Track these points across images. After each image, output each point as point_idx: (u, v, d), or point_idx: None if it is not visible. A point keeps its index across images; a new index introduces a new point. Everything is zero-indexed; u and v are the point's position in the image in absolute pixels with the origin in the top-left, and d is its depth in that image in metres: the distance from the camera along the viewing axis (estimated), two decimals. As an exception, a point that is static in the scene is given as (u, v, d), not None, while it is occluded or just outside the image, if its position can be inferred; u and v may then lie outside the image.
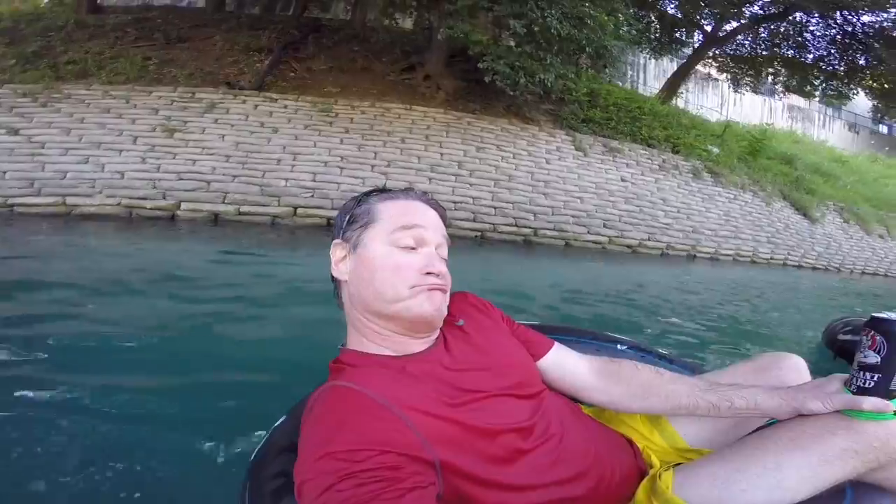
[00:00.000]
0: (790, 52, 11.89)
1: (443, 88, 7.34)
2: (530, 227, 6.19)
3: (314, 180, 5.76)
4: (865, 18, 10.47)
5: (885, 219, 11.27)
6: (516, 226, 6.16)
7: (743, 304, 4.81)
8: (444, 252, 0.84)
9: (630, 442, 0.92)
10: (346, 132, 6.33)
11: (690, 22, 11.65)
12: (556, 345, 0.94)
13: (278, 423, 0.92)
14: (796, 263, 8.26)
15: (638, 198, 7.13)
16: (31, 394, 1.62)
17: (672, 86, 12.07)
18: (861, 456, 0.67)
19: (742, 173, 9.01)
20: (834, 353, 2.70)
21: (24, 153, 5.52)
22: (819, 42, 11.48)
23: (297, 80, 7.07)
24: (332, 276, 0.84)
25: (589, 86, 8.18)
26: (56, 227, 4.74)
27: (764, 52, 12.13)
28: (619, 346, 1.24)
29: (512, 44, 6.72)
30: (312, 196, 5.62)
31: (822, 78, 11.94)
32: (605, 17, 6.63)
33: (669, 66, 13.41)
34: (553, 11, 6.18)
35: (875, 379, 0.68)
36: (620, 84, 11.34)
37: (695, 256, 7.08)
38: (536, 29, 6.21)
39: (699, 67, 13.40)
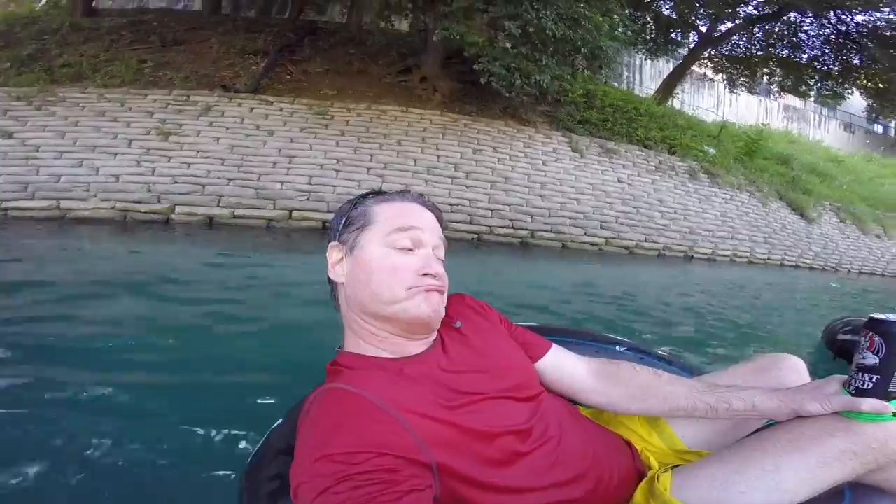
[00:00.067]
0: (785, 53, 11.89)
1: (439, 90, 7.31)
2: (527, 229, 6.16)
3: (310, 183, 5.72)
4: (859, 18, 10.49)
5: (881, 218, 11.24)
6: (513, 228, 6.12)
7: (741, 305, 4.79)
8: (441, 253, 0.83)
9: (629, 444, 0.91)
10: (342, 135, 6.29)
11: (685, 23, 11.64)
12: (555, 346, 0.94)
13: (275, 425, 0.91)
14: (793, 264, 8.23)
15: (635, 199, 7.10)
16: (24, 395, 1.63)
17: (668, 86, 12.05)
18: (860, 457, 0.67)
19: (738, 174, 8.99)
20: (834, 353, 2.69)
21: (18, 157, 5.47)
22: (813, 42, 11.48)
23: (293, 83, 7.03)
24: (329, 279, 0.83)
25: (585, 87, 8.16)
26: (50, 231, 4.70)
27: (759, 53, 12.14)
28: (617, 348, 1.23)
29: (507, 45, 6.69)
30: (308, 199, 5.58)
31: (816, 78, 11.96)
32: (600, 18, 6.60)
33: (665, 66, 13.42)
34: (548, 12, 6.15)
35: (874, 380, 0.68)
36: (617, 85, 11.33)
37: (692, 257, 7.05)
38: (531, 30, 6.18)
39: (695, 68, 13.39)
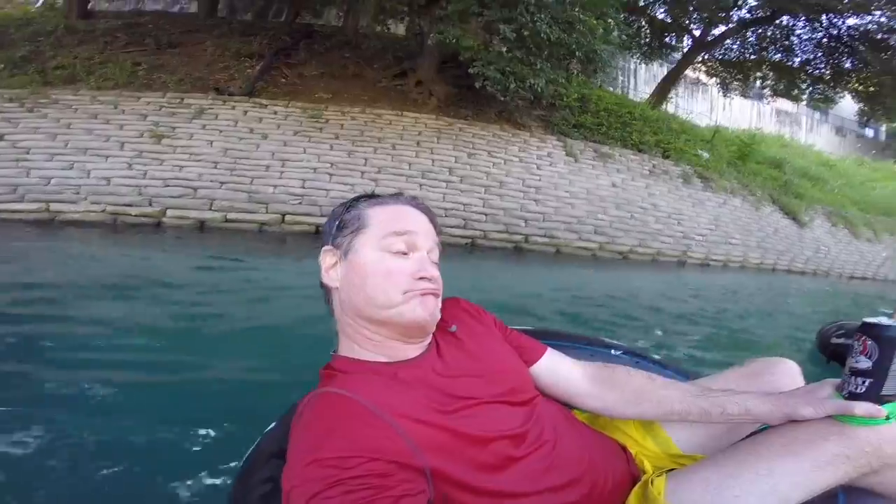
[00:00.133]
0: (777, 56, 11.83)
1: (434, 94, 7.22)
2: (521, 234, 6.07)
3: (303, 187, 5.62)
4: (851, 21, 10.45)
5: (872, 222, 11.21)
6: (507, 232, 6.04)
7: (734, 310, 4.78)
8: (436, 256, 0.82)
9: (623, 448, 0.90)
10: (336, 138, 6.19)
11: (679, 26, 11.58)
12: (550, 350, 0.93)
13: (268, 428, 0.91)
14: (786, 268, 8.17)
15: (629, 203, 7.03)
16: (9, 395, 1.62)
17: (662, 90, 12.00)
18: (853, 461, 0.67)
19: (732, 178, 8.93)
20: (827, 356, 2.71)
21: (9, 159, 5.35)
22: (805, 46, 11.44)
23: (288, 86, 6.93)
24: (323, 283, 0.82)
25: (580, 91, 8.07)
26: (39, 234, 4.61)
27: (752, 57, 12.07)
28: (612, 352, 1.22)
29: (503, 49, 6.61)
30: (301, 203, 5.48)
31: (808, 81, 11.90)
32: (595, 22, 6.53)
33: (660, 70, 13.34)
34: (543, 16, 6.09)
35: (866, 384, 0.67)
36: (612, 89, 11.26)
37: (685, 262, 6.98)
38: (526, 34, 6.11)
39: (689, 72, 13.35)
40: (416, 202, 0.85)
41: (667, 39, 12.00)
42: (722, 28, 11.48)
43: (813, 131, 20.55)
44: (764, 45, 11.73)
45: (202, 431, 1.47)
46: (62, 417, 1.52)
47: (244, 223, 5.25)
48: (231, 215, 5.26)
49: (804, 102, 13.67)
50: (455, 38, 6.31)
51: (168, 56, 7.40)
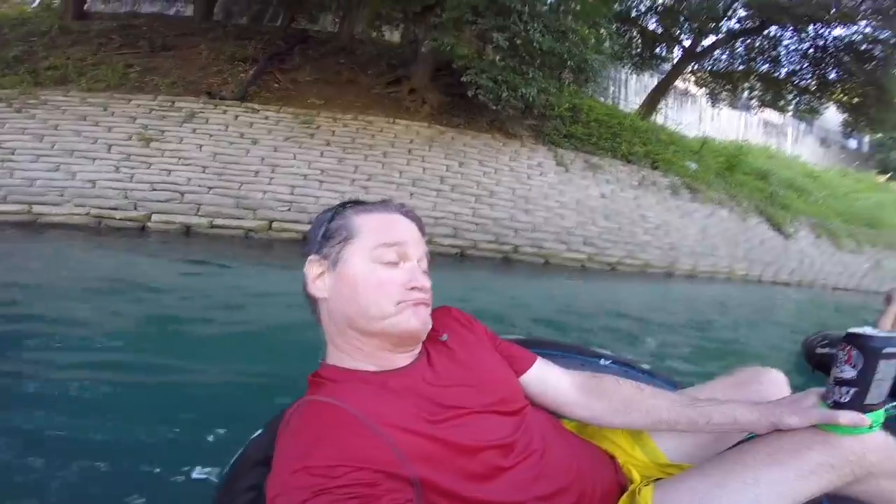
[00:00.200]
0: (765, 67, 11.72)
1: (428, 102, 7.04)
2: (510, 244, 5.90)
3: (292, 193, 5.44)
4: (837, 32, 10.39)
5: (855, 234, 11.17)
6: (497, 242, 5.87)
7: (721, 320, 4.74)
8: (425, 264, 0.80)
9: (611, 457, 0.89)
10: (327, 145, 6.01)
11: (670, 37, 11.46)
12: (539, 360, 0.91)
13: (255, 435, 0.89)
14: (771, 279, 8.07)
15: (617, 214, 6.88)
16: None
17: (652, 101, 11.88)
18: (837, 470, 0.66)
19: (719, 189, 8.81)
20: (812, 366, 2.71)
21: (-7, 160, 5.14)
22: (792, 56, 11.35)
23: (281, 92, 6.73)
24: (309, 293, 0.79)
25: (571, 101, 7.92)
26: (21, 236, 4.43)
27: (740, 67, 11.97)
28: (601, 361, 1.20)
29: (496, 58, 6.46)
30: (289, 210, 5.30)
31: (794, 92, 11.81)
32: (587, 31, 6.39)
33: (650, 81, 13.20)
34: (536, 25, 5.96)
35: (851, 393, 0.66)
36: (603, 100, 11.11)
37: (672, 274, 6.85)
38: (519, 42, 5.97)
39: (678, 83, 13.22)
40: (404, 209, 0.82)
41: (657, 50, 11.87)
42: (712, 38, 11.38)
43: (798, 142, 20.49)
44: (752, 55, 11.61)
45: (186, 437, 1.43)
46: (40, 420, 1.47)
47: (231, 229, 5.07)
48: (218, 221, 5.07)
49: (790, 113, 13.54)
50: (449, 45, 6.15)
51: (161, 59, 7.19)
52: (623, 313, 4.29)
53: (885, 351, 0.65)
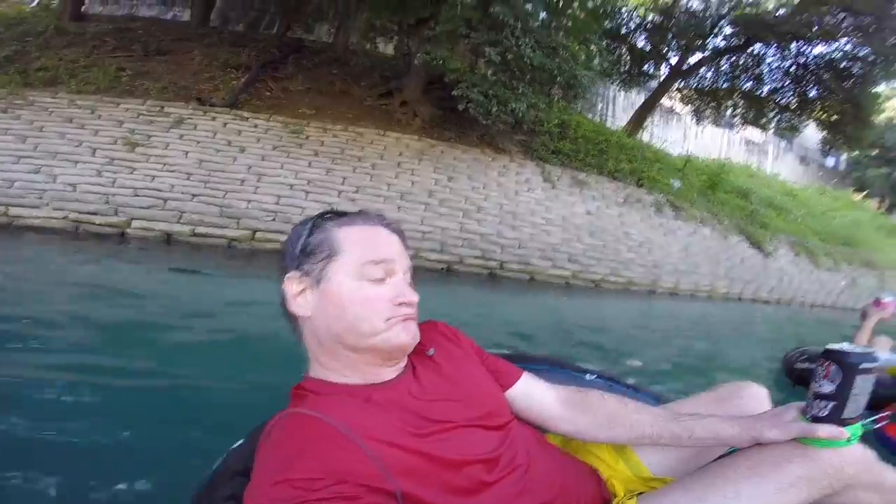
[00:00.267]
0: (748, 85, 11.64)
1: (419, 115, 6.82)
2: (496, 260, 5.68)
3: (277, 203, 5.19)
4: (818, 50, 10.33)
5: (832, 252, 11.14)
6: (483, 258, 5.63)
7: (704, 337, 4.64)
8: (409, 276, 0.77)
9: (595, 471, 0.87)
10: (315, 155, 5.76)
11: (658, 54, 11.33)
12: (525, 375, 0.89)
13: (235, 445, 0.86)
14: (751, 297, 7.95)
15: (602, 231, 6.69)
16: None
17: (639, 118, 11.74)
18: (816, 483, 0.65)
19: (702, 207, 8.67)
20: (792, 381, 2.72)
21: (-28, 161, 4.86)
22: (775, 74, 11.28)
23: (272, 100, 6.48)
24: (289, 311, 0.73)
25: (560, 117, 7.73)
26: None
27: (725, 85, 11.88)
28: (587, 376, 1.18)
29: (488, 72, 6.27)
30: (274, 220, 5.05)
31: (776, 110, 11.72)
32: (577, 47, 6.21)
33: (637, 98, 13.04)
34: (527, 40, 5.79)
35: (829, 407, 0.66)
36: (591, 116, 10.96)
37: (654, 292, 6.66)
38: (510, 57, 5.79)
39: (664, 101, 13.10)
40: (385, 221, 0.78)
41: (645, 67, 11.72)
42: (698, 56, 11.29)
43: (779, 160, 20.47)
44: (736, 73, 11.52)
45: (164, 446, 1.39)
46: (11, 425, 1.42)
47: (213, 238, 4.81)
48: (200, 229, 4.81)
49: (771, 131, 13.44)
50: (442, 59, 5.96)
51: (154, 63, 6.92)
52: (607, 330, 4.21)
53: (861, 366, 0.65)
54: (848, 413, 0.66)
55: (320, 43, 8.58)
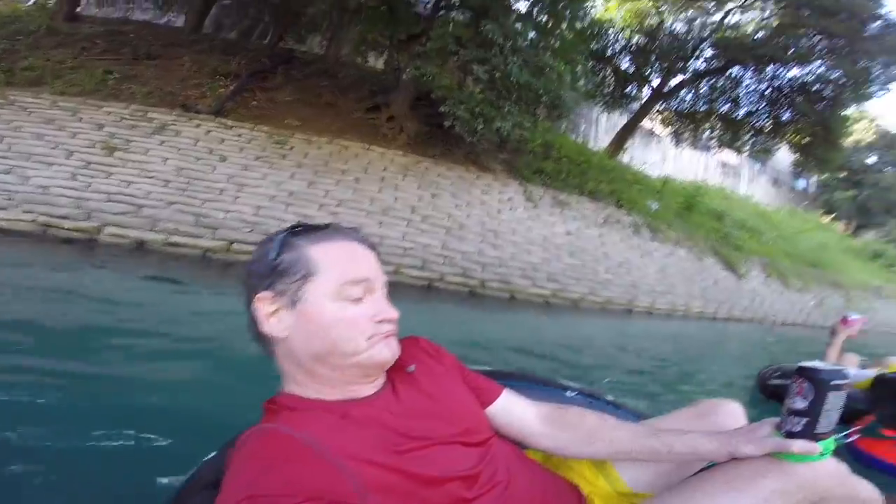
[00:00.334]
0: (725, 107, 11.63)
1: (405, 131, 6.58)
2: (477, 279, 5.42)
3: (257, 214, 4.90)
4: (792, 73, 10.40)
5: (802, 273, 11.17)
6: (464, 276, 5.38)
7: (680, 355, 4.60)
8: (385, 290, 0.72)
9: (575, 487, 0.84)
10: (298, 167, 5.49)
11: (641, 76, 11.26)
12: (506, 391, 0.85)
13: (207, 458, 0.82)
14: (725, 316, 7.84)
15: (582, 252, 6.50)
16: None
17: (620, 140, 11.64)
18: (790, 496, 0.64)
19: (678, 229, 8.55)
20: (766, 396, 2.73)
21: (-59, 160, 4.51)
22: (751, 97, 11.31)
23: (258, 109, 6.20)
24: (261, 333, 0.68)
25: (544, 137, 7.54)
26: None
27: (703, 107, 11.86)
28: (567, 393, 1.14)
29: (475, 90, 6.08)
30: (252, 231, 4.76)
31: (751, 133, 11.73)
32: (563, 67, 6.04)
33: (619, 120, 12.95)
34: (516, 59, 5.65)
35: (803, 423, 0.65)
36: (574, 137, 10.81)
37: (632, 311, 6.48)
38: (498, 75, 5.61)
39: (644, 123, 13.05)
40: (359, 236, 0.73)
41: (628, 89, 11.64)
42: (679, 78, 11.26)
43: (753, 182, 20.59)
44: (714, 95, 11.52)
45: (136, 457, 1.33)
46: None
47: (187, 247, 4.50)
48: (174, 238, 4.50)
49: (746, 153, 13.42)
50: (431, 75, 5.75)
51: (143, 67, 6.61)
52: (586, 348, 4.12)
53: (832, 383, 0.65)
54: (821, 428, 0.65)
55: (311, 54, 8.32)
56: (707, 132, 12.43)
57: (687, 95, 11.92)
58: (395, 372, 0.73)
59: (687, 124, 12.33)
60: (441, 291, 5.18)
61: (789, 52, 9.40)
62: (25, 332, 2.17)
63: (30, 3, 9.62)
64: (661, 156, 16.08)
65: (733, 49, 9.78)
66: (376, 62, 8.48)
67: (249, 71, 6.78)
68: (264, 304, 0.66)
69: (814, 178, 22.10)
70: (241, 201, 4.96)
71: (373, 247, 0.74)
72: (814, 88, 10.03)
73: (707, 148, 15.83)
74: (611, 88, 11.46)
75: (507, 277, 5.63)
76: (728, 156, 17.56)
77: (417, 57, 6.02)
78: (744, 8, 10.03)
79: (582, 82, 7.31)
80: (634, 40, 10.84)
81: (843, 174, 20.85)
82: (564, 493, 0.81)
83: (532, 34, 6.49)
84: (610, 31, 10.73)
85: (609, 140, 12.17)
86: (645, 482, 0.84)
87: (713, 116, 11.78)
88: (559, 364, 3.34)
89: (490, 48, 5.64)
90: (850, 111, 12.03)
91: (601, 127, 13.76)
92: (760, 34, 9.93)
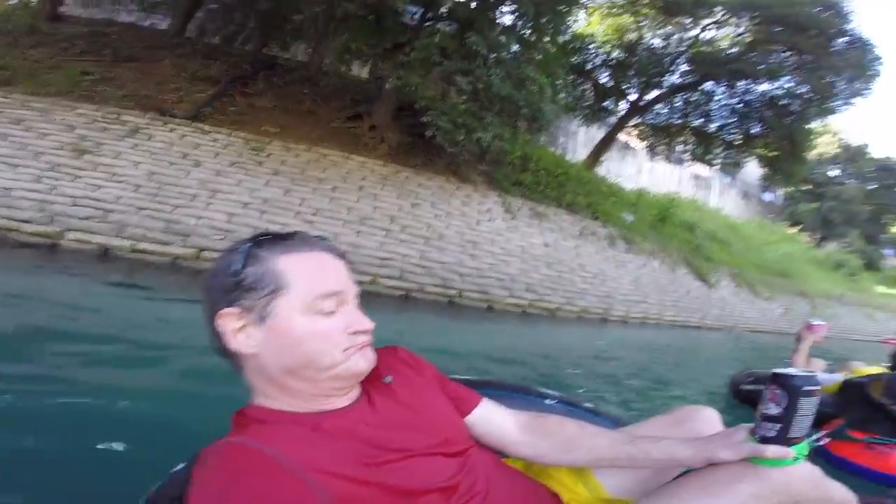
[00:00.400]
0: (698, 122, 11.65)
1: (386, 141, 6.35)
2: (455, 289, 5.20)
3: (229, 222, 4.62)
4: (762, 88, 10.43)
5: (769, 283, 11.26)
6: (443, 286, 5.15)
7: (655, 362, 4.57)
8: (357, 301, 0.68)
9: (556, 495, 0.82)
10: (274, 174, 5.22)
11: (619, 90, 11.20)
12: (485, 400, 0.82)
13: (175, 469, 0.77)
14: (697, 324, 7.77)
15: (559, 263, 6.34)
16: None
17: (597, 153, 11.57)
18: (766, 500, 0.63)
19: (652, 240, 8.47)
20: (739, 400, 2.74)
21: None
22: (722, 111, 11.35)
23: (237, 115, 5.90)
24: (228, 349, 0.63)
25: (523, 149, 7.38)
26: None
27: (678, 121, 11.86)
28: (546, 401, 1.10)
29: (458, 101, 5.91)
30: (224, 239, 4.46)
31: (722, 146, 11.75)
32: (545, 79, 5.90)
33: (597, 133, 12.89)
34: (498, 70, 5.51)
35: (776, 429, 0.65)
36: (553, 149, 10.70)
37: (607, 320, 6.34)
38: (480, 87, 5.45)
39: (620, 137, 13.01)
40: (327, 245, 0.67)
41: (606, 103, 11.58)
42: (656, 92, 11.23)
43: (723, 195, 20.78)
44: (688, 110, 11.54)
45: (100, 469, 1.25)
46: None
47: (155, 255, 4.20)
48: (142, 245, 4.20)
49: (717, 167, 13.48)
50: (414, 85, 5.55)
51: (122, 69, 6.27)
52: (563, 356, 4.00)
53: (804, 389, 0.64)
54: (794, 433, 0.64)
55: (294, 62, 8.03)
56: (681, 146, 12.44)
57: (662, 109, 11.93)
58: (371, 383, 0.70)
59: (662, 138, 12.33)
60: (419, 301, 4.95)
61: (760, 68, 9.43)
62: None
63: (12, 1, 9.18)
64: (636, 168, 16.10)
65: (708, 64, 9.80)
66: (360, 71, 8.24)
67: (230, 76, 6.49)
68: (230, 321, 0.62)
69: (781, 191, 22.43)
70: (214, 208, 4.67)
71: (342, 256, 0.70)
72: (782, 103, 10.10)
73: (680, 161, 15.90)
74: (590, 102, 11.38)
75: (486, 288, 5.42)
76: (700, 169, 17.68)
77: (401, 67, 5.82)
78: (719, 24, 10.05)
79: (562, 95, 7.18)
80: (614, 55, 10.79)
81: (807, 187, 21.19)
82: (544, 501, 0.80)
83: (515, 47, 6.35)
84: (591, 46, 10.66)
85: (587, 153, 12.10)
86: (624, 488, 0.83)
87: (687, 130, 11.81)
88: (537, 373, 3.25)
89: (474, 60, 5.50)
90: (815, 125, 12.17)
91: (579, 140, 13.69)
92: (734, 50, 9.96)
